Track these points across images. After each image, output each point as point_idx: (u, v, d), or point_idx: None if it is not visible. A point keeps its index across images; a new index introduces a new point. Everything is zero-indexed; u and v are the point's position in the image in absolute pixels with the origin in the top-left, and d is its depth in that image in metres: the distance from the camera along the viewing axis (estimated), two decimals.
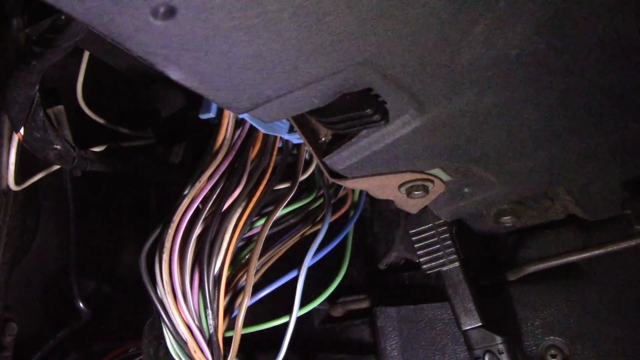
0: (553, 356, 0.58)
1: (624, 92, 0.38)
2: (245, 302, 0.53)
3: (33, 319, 0.75)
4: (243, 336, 0.54)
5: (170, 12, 0.25)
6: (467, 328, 0.57)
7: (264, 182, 0.55)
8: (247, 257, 0.56)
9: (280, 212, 0.56)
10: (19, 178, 0.56)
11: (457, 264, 0.58)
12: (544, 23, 0.32)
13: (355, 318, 0.70)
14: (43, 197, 0.71)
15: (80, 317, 0.73)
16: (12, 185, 0.55)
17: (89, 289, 0.78)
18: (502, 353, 0.56)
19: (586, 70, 0.36)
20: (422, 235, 0.59)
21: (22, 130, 0.46)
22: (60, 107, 0.59)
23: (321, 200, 0.60)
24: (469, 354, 0.57)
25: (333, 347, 0.70)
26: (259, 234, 0.55)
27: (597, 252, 0.56)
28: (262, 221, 0.56)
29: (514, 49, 0.33)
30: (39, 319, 0.76)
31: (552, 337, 0.59)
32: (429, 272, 0.59)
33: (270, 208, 0.56)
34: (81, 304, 0.72)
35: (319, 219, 0.60)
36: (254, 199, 0.55)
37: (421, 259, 0.59)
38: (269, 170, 0.56)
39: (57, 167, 0.59)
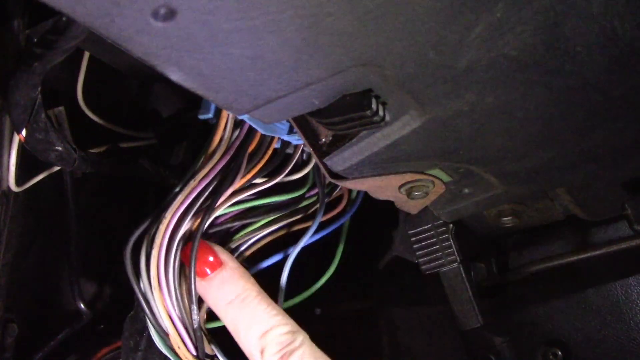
0: (553, 357, 0.58)
1: (623, 92, 0.38)
2: None
3: (34, 320, 0.75)
4: None
5: (171, 14, 0.25)
6: (467, 329, 0.57)
7: (248, 176, 0.55)
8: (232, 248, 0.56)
9: (263, 201, 0.56)
10: (20, 179, 0.56)
11: (456, 264, 0.58)
12: (543, 24, 0.32)
13: (356, 318, 0.70)
14: (44, 198, 0.71)
15: (81, 318, 0.72)
16: (13, 187, 0.55)
17: (89, 290, 0.78)
18: (502, 354, 0.56)
19: (585, 71, 0.36)
20: (422, 236, 0.59)
21: (23, 132, 0.46)
22: (61, 109, 0.59)
23: (314, 199, 0.60)
24: (468, 355, 0.57)
25: (333, 346, 0.70)
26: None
27: (597, 252, 0.56)
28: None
29: (514, 50, 0.33)
30: (39, 320, 0.76)
31: (552, 338, 0.59)
32: (428, 272, 0.59)
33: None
34: (82, 305, 0.72)
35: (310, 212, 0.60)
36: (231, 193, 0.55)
37: (420, 260, 0.59)
38: (258, 167, 0.56)
39: (58, 168, 0.59)
